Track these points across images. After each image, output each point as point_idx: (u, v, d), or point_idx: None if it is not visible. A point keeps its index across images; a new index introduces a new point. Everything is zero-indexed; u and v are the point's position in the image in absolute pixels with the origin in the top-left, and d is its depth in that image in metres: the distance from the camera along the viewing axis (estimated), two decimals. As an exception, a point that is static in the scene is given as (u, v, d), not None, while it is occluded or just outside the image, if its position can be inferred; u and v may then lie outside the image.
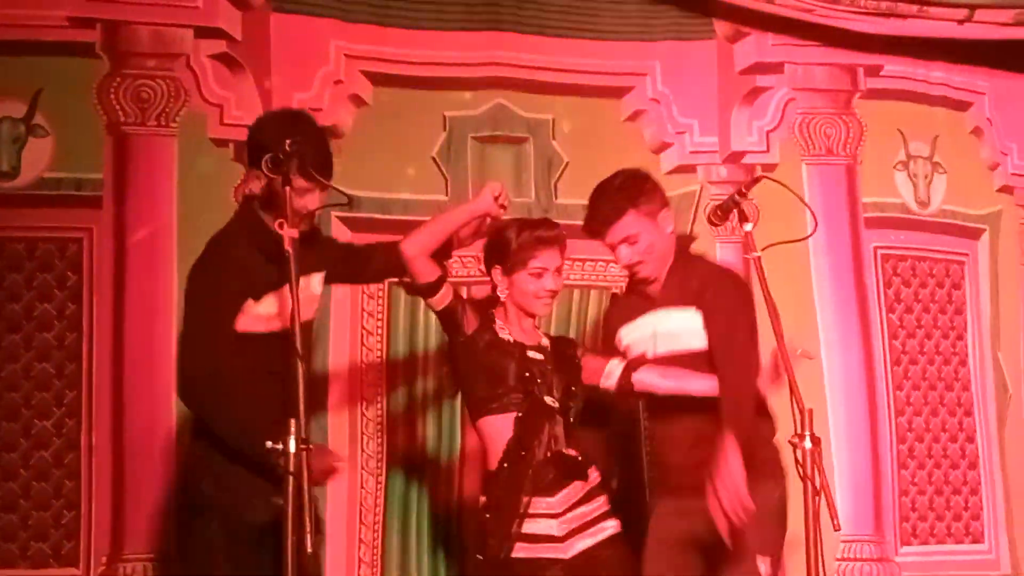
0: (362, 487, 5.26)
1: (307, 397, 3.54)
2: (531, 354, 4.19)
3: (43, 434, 5.00)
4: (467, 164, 5.50)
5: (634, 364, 4.23)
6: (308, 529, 3.45)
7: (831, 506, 3.58)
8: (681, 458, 4.19)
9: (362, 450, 5.29)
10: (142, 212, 5.16)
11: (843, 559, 5.68)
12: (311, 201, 4.00)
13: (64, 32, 5.13)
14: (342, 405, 5.22)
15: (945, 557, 5.88)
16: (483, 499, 4.14)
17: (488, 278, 4.28)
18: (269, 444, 3.56)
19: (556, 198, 5.55)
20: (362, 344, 5.32)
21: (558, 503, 4.09)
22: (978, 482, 5.97)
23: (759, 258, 3.84)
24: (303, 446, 3.49)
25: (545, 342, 4.29)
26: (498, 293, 4.24)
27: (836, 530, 3.62)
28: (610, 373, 4.23)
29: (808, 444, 3.62)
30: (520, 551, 4.04)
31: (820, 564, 3.57)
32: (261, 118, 4.26)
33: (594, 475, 4.19)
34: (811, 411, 3.67)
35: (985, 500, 5.97)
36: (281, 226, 3.69)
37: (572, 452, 4.16)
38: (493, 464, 4.14)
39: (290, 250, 3.67)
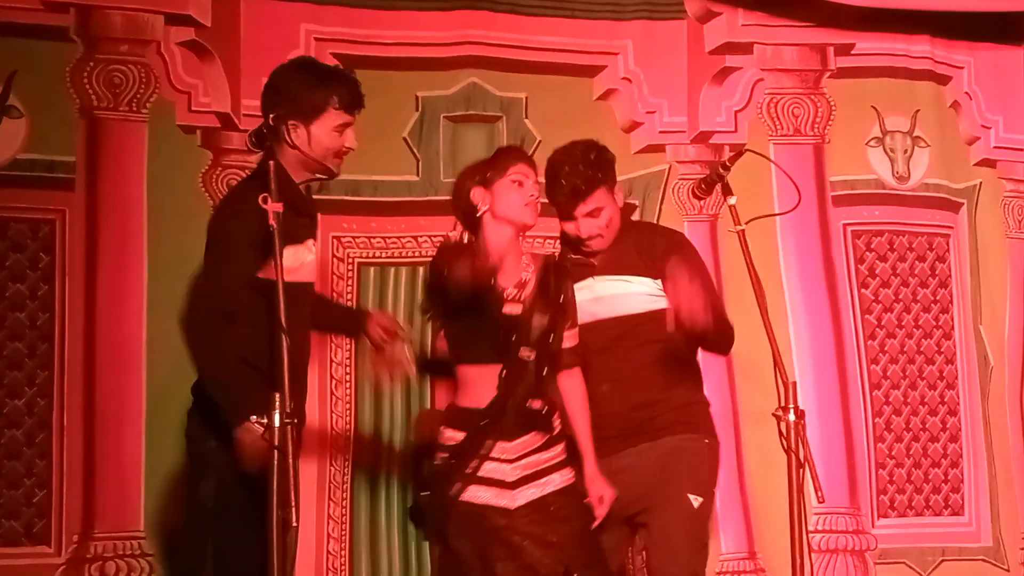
0: (331, 464, 5.33)
1: (292, 371, 3.58)
2: (508, 308, 4.10)
3: (15, 413, 5.05)
4: (439, 144, 5.54)
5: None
6: (294, 503, 3.51)
7: (815, 479, 3.65)
8: (608, 408, 4.25)
9: (331, 428, 5.34)
10: (113, 195, 5.20)
11: (817, 531, 5.67)
12: (348, 138, 4.04)
13: (39, 15, 5.16)
14: (312, 386, 5.25)
15: (924, 530, 5.91)
16: (446, 433, 4.11)
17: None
18: (254, 418, 3.62)
19: (530, 176, 5.60)
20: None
21: (514, 448, 4.06)
22: (959, 455, 5.98)
23: (743, 231, 3.92)
24: (287, 420, 3.54)
25: (527, 276, 4.15)
26: (479, 213, 4.12)
27: (820, 502, 3.69)
28: None
29: (792, 417, 3.69)
30: (468, 494, 4.03)
31: (805, 536, 3.64)
32: (282, 67, 4.21)
33: (556, 423, 4.16)
34: (795, 384, 3.74)
35: (966, 473, 5.98)
36: (265, 200, 3.67)
37: (537, 404, 4.11)
38: (464, 402, 4.13)
39: (274, 224, 3.65)
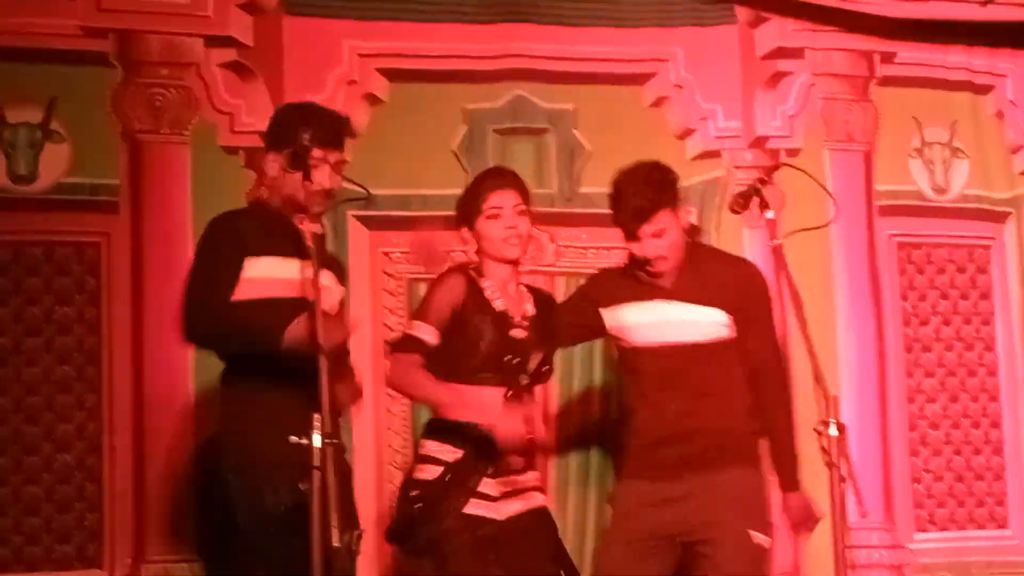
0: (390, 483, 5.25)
1: (330, 392, 3.55)
2: (514, 332, 4.23)
3: (65, 437, 5.06)
4: (487, 157, 5.50)
5: None
6: (334, 523, 3.48)
7: (857, 493, 3.60)
8: (667, 431, 4.24)
9: (389, 445, 5.34)
10: (157, 217, 5.21)
11: (852, 546, 5.48)
12: (323, 177, 3.95)
13: (78, 41, 5.19)
14: (366, 401, 5.18)
15: (968, 543, 5.85)
16: (430, 446, 4.19)
17: None
18: (293, 439, 3.59)
19: (579, 187, 5.54)
20: (383, 341, 5.30)
21: (499, 467, 4.17)
22: (1002, 467, 5.91)
23: (781, 245, 3.88)
24: (328, 440, 3.51)
25: (530, 309, 4.30)
26: (469, 255, 4.28)
27: (862, 516, 3.64)
28: None
29: (834, 431, 3.65)
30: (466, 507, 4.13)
31: (845, 550, 3.59)
32: (281, 107, 4.32)
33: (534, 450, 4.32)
34: (836, 398, 3.69)
35: (1011, 485, 5.92)
36: (301, 221, 3.74)
37: (530, 432, 4.20)
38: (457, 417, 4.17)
39: (312, 245, 3.70)
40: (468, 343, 4.19)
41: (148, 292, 5.15)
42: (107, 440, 5.07)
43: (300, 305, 3.76)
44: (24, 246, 5.11)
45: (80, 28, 5.19)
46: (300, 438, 3.52)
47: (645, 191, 4.22)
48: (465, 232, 4.28)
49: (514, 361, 4.18)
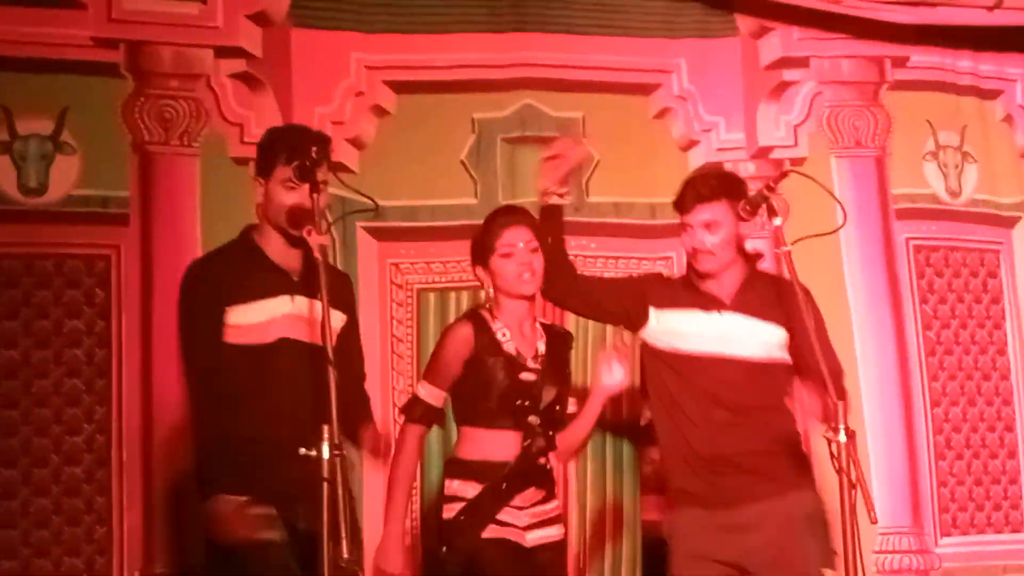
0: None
1: (339, 404, 3.53)
2: (524, 376, 4.26)
3: (74, 450, 5.06)
4: (496, 166, 5.51)
5: None
6: (344, 535, 3.46)
7: (867, 499, 3.56)
8: (719, 451, 4.19)
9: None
10: (167, 229, 5.21)
11: (881, 551, 5.63)
12: (303, 197, 3.89)
13: (89, 51, 5.21)
14: (374, 412, 5.21)
15: (987, 547, 5.83)
16: (454, 484, 4.25)
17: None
18: (303, 450, 3.58)
19: (588, 196, 5.53)
20: (392, 351, 5.35)
21: (523, 499, 4.24)
22: (1018, 471, 5.91)
23: (789, 252, 3.85)
24: (336, 452, 3.51)
25: (542, 347, 4.32)
26: (487, 292, 4.30)
27: (873, 523, 3.61)
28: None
29: (842, 438, 3.63)
30: (489, 532, 4.18)
31: (858, 557, 3.57)
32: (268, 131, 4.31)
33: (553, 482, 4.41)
34: (844, 404, 3.66)
35: None
36: (309, 233, 3.74)
37: (543, 461, 4.31)
38: (475, 456, 4.25)
39: (319, 256, 3.69)
40: (481, 388, 4.25)
41: (158, 304, 5.12)
42: (116, 453, 5.07)
43: (288, 348, 3.88)
44: (34, 258, 5.12)
45: (91, 39, 5.21)
46: (309, 450, 3.52)
47: (708, 178, 4.28)
48: (480, 271, 4.30)
49: (525, 404, 4.23)
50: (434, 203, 5.44)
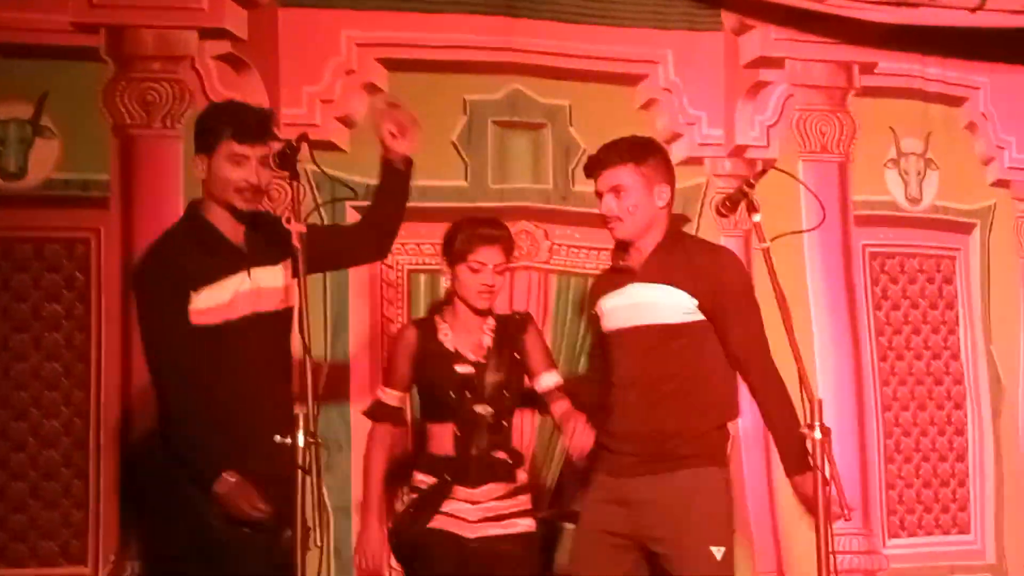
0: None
1: (315, 389, 3.55)
2: (460, 368, 4.41)
3: (52, 434, 5.05)
4: (487, 149, 5.48)
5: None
6: (318, 523, 3.51)
7: (841, 496, 3.60)
8: (629, 428, 4.18)
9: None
10: (149, 213, 5.17)
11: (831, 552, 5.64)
12: (248, 173, 3.93)
13: (69, 36, 5.16)
14: (364, 394, 5.13)
15: (933, 548, 5.94)
16: (417, 477, 4.47)
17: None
18: (277, 438, 3.57)
19: (574, 185, 5.51)
20: (383, 332, 5.32)
21: (480, 494, 4.41)
22: (966, 474, 6.02)
23: (768, 248, 3.84)
24: (311, 439, 3.52)
25: (488, 341, 4.46)
26: (448, 281, 4.52)
27: (847, 520, 3.64)
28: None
29: (818, 434, 3.63)
30: (435, 523, 4.38)
31: (831, 554, 3.57)
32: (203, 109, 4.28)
33: (522, 476, 4.52)
34: (821, 401, 3.68)
35: (973, 492, 6.02)
36: (288, 221, 3.73)
37: (501, 455, 4.45)
38: (432, 451, 4.49)
39: (298, 245, 3.69)
40: (424, 386, 4.50)
41: (137, 289, 5.11)
42: (93, 437, 5.06)
43: (253, 321, 3.93)
44: (13, 243, 5.09)
45: (71, 24, 5.16)
46: (284, 437, 3.52)
47: (614, 143, 4.23)
48: (444, 266, 4.51)
49: (465, 395, 4.39)
50: (424, 183, 5.37)
